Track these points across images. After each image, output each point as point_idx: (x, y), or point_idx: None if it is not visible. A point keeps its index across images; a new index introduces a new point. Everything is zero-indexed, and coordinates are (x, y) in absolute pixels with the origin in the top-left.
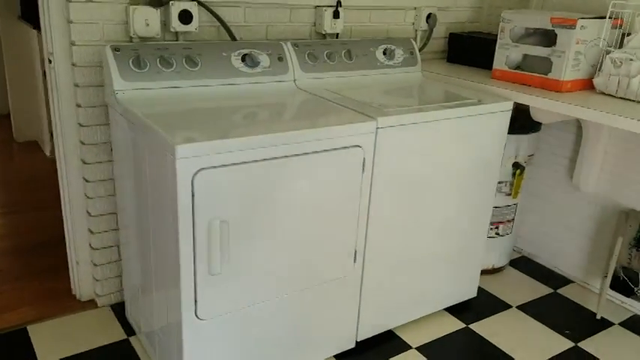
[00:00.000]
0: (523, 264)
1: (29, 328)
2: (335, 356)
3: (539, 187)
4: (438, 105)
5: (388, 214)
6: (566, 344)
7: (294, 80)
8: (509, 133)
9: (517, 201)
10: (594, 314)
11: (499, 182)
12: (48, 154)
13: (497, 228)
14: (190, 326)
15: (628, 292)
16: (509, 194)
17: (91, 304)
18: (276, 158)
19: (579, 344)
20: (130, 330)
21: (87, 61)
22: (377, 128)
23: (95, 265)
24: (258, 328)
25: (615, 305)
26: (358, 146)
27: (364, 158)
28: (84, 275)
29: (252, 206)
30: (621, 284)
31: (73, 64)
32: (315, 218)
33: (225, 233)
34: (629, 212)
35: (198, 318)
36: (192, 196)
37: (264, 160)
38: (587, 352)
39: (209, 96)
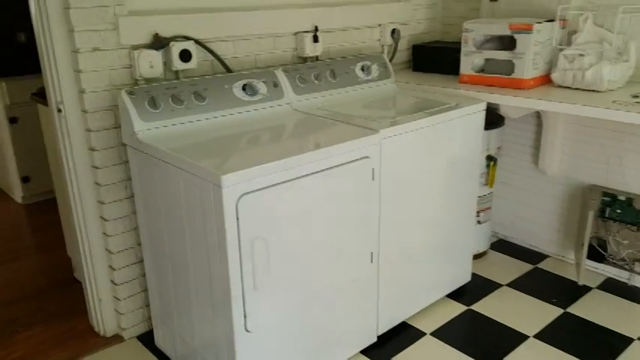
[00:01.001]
0: (502, 246)
1: None
2: (361, 352)
3: (508, 175)
4: (426, 112)
5: (394, 214)
6: (557, 311)
7: (290, 103)
8: None
9: (493, 189)
10: (575, 282)
11: None
12: (19, 200)
13: (479, 216)
14: (241, 339)
15: (599, 259)
16: (486, 184)
17: (117, 338)
18: (303, 177)
19: (568, 309)
20: (161, 356)
21: (97, 107)
22: (381, 139)
23: (118, 299)
24: (295, 334)
25: (589, 271)
26: (367, 157)
27: (373, 168)
28: (107, 311)
29: (284, 223)
30: (593, 252)
31: (84, 111)
32: (337, 227)
33: (266, 250)
34: (590, 188)
35: (247, 331)
36: (237, 219)
37: (294, 179)
38: (576, 315)
39: (220, 126)
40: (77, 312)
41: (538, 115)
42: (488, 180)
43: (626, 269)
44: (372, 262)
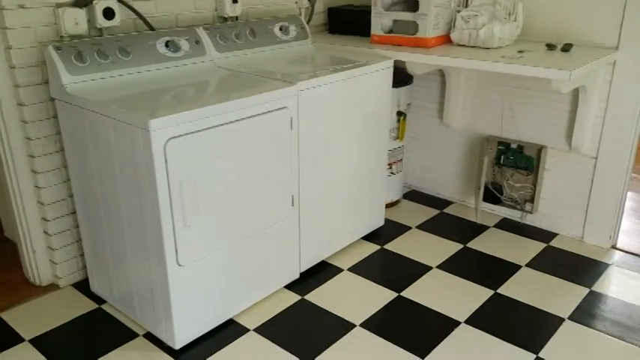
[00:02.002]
0: (413, 195)
1: (1, 315)
2: (285, 287)
3: (417, 130)
4: (337, 68)
5: (313, 162)
6: (458, 246)
7: (212, 60)
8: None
9: (403, 143)
10: (474, 222)
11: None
12: None
13: (391, 168)
14: (174, 273)
15: (496, 201)
16: (397, 138)
17: (53, 287)
18: (226, 124)
19: (467, 244)
20: (99, 300)
21: (24, 63)
22: (299, 91)
23: (52, 249)
24: (224, 269)
25: (488, 213)
26: (285, 107)
27: (291, 117)
28: (41, 261)
29: (210, 166)
30: (490, 195)
31: (12, 67)
32: (260, 172)
33: (194, 191)
34: (488, 138)
35: (179, 265)
36: (166, 162)
37: (218, 125)
38: (474, 248)
39: (146, 80)
40: (10, 267)
41: (442, 74)
42: (399, 134)
43: (518, 209)
44: (292, 205)
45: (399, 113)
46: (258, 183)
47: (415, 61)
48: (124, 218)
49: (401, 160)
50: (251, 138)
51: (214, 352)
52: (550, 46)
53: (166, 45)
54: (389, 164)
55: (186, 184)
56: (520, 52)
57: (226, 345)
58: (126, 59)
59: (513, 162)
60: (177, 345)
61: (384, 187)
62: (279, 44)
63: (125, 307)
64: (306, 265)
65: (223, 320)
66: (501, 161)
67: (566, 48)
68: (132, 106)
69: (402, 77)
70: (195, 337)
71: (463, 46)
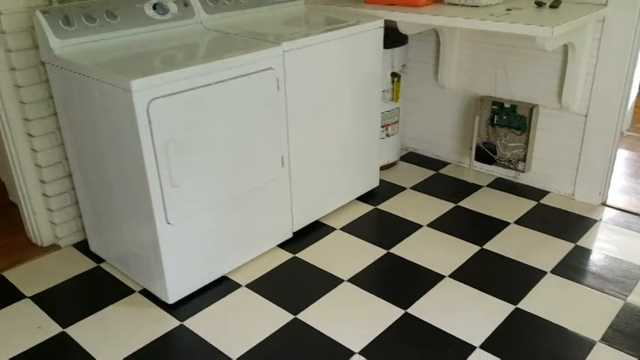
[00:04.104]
0: (410, 157)
1: (4, 274)
2: (278, 246)
3: (412, 92)
4: (326, 28)
5: (303, 124)
6: (450, 205)
7: (201, 22)
8: (384, 47)
9: (399, 105)
10: (468, 182)
11: (383, 90)
12: None
13: (387, 129)
14: (164, 232)
15: (490, 161)
16: (392, 99)
17: (54, 247)
18: (210, 84)
19: (459, 203)
20: (98, 259)
21: (15, 28)
22: (283, 52)
23: (52, 211)
24: (215, 228)
25: (482, 173)
26: (271, 68)
27: (277, 78)
28: (42, 223)
29: (196, 127)
30: (484, 155)
31: (2, 32)
32: (247, 132)
33: (180, 151)
34: (482, 98)
35: (168, 223)
36: (150, 123)
37: (202, 86)
38: (465, 207)
39: (133, 43)
40: (15, 230)
41: (437, 34)
42: (394, 96)
43: (511, 169)
44: (283, 166)
45: (394, 74)
46: (245, 144)
47: (403, 20)
48: (115, 180)
49: (397, 121)
50: (237, 99)
51: (207, 306)
52: (539, 3)
53: (154, 7)
54: (384, 126)
55: (171, 144)
56: (508, 9)
57: (218, 300)
58: (113, 22)
59: (507, 122)
60: (171, 300)
61: (377, 149)
62: (272, 5)
63: (122, 265)
64: (299, 225)
65: (216, 277)
66: (495, 121)
67: (555, 4)
68: (115, 68)
69: (396, 38)
70: (188, 293)
71: (455, 5)
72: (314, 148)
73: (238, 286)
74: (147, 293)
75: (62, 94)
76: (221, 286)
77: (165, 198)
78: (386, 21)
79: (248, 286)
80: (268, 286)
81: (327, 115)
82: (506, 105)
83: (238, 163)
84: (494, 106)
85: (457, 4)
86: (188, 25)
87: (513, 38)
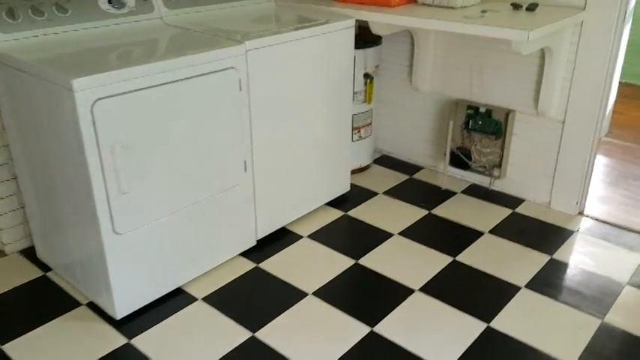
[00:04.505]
0: (384, 161)
1: None
2: (240, 254)
3: (386, 94)
4: (293, 27)
5: (267, 126)
6: (423, 212)
7: (161, 17)
8: (356, 48)
9: (372, 106)
10: (442, 188)
11: (355, 92)
12: None
13: (359, 132)
14: (110, 241)
15: (464, 167)
16: (365, 101)
17: (0, 254)
18: (162, 84)
19: (432, 211)
20: (45, 268)
21: None
22: (246, 50)
23: None
24: (170, 237)
25: (456, 179)
26: (233, 67)
27: (239, 78)
28: None
29: (148, 129)
30: (459, 161)
31: None
32: (206, 135)
33: (129, 155)
34: (457, 102)
35: (116, 233)
36: (94, 124)
37: (155, 86)
38: (438, 215)
39: (84, 39)
40: None
41: (412, 35)
42: (367, 97)
43: (486, 175)
44: (245, 170)
45: (366, 75)
46: (204, 147)
47: (374, 20)
48: (60, 184)
49: (370, 124)
50: (194, 99)
51: (158, 322)
52: (515, 6)
53: (109, 1)
54: (357, 128)
55: (119, 148)
56: (483, 11)
57: (171, 315)
58: (64, 16)
59: (482, 127)
60: (119, 315)
61: (348, 152)
62: (239, 1)
63: (69, 275)
64: (264, 232)
65: (170, 289)
66: (470, 126)
67: (532, 7)
68: (59, 65)
69: (369, 38)
70: (138, 307)
71: (428, 5)
72: (280, 151)
73: (194, 299)
74: (94, 307)
75: (6, 92)
76: (175, 300)
77: (112, 205)
78: (359, 21)
79: (205, 299)
80: (226, 300)
81: (294, 117)
82: (482, 109)
83: (196, 168)
84: (469, 110)
85: (431, 5)
86: (146, 20)
87: (489, 41)
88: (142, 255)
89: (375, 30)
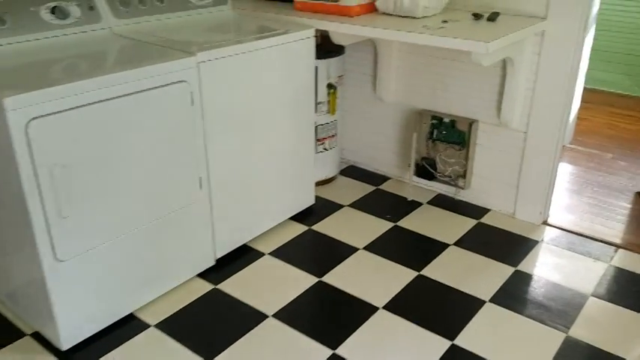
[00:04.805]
0: (351, 172)
1: None
2: (198, 275)
3: (351, 104)
4: (250, 37)
5: (225, 141)
6: (389, 225)
7: (110, 28)
8: (319, 58)
9: (336, 117)
10: (407, 199)
11: (319, 103)
12: None
13: (324, 143)
14: (52, 269)
15: (430, 177)
16: (329, 112)
17: None
18: (106, 100)
19: (398, 223)
20: None
21: None
22: (198, 63)
23: None
24: (119, 261)
25: (423, 189)
26: (184, 81)
27: (191, 92)
28: None
29: (91, 148)
30: (424, 171)
31: None
32: (155, 153)
33: (68, 177)
34: (422, 112)
35: (58, 260)
36: (29, 145)
37: (95, 103)
38: (404, 227)
39: (24, 52)
40: None
41: (375, 45)
42: (330, 108)
43: (452, 185)
44: (201, 188)
45: (330, 85)
46: (153, 165)
47: (334, 30)
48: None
49: (334, 135)
50: (142, 115)
51: (106, 353)
52: (477, 16)
53: (52, 11)
54: (321, 140)
55: (58, 169)
56: (444, 21)
57: (121, 344)
58: (1, 28)
59: (446, 137)
60: (64, 346)
61: (312, 165)
62: (194, 10)
63: (12, 303)
64: (224, 251)
65: (120, 317)
66: (435, 136)
67: (493, 17)
68: None
69: (331, 47)
70: (86, 337)
71: (389, 15)
72: (240, 166)
73: (147, 326)
74: (39, 337)
75: None
76: (127, 327)
77: (53, 231)
78: (321, 30)
79: (158, 325)
80: (181, 326)
81: (253, 131)
82: (446, 119)
83: (146, 187)
84: (433, 121)
85: (392, 15)
86: (93, 30)
87: (452, 51)
88: (89, 281)
89: (336, 40)
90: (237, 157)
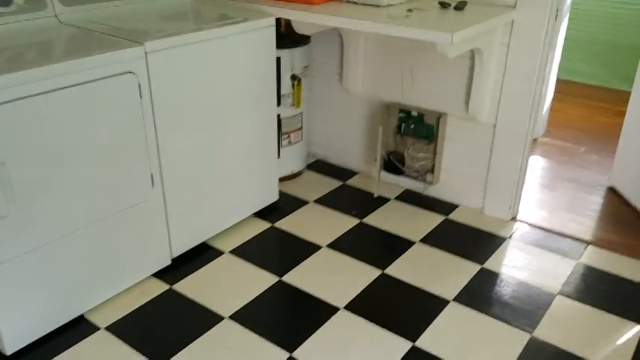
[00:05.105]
0: (318, 166)
1: None
2: (153, 275)
3: (318, 96)
4: (205, 26)
5: (179, 136)
6: (354, 222)
7: (56, 15)
8: (282, 48)
9: (301, 110)
10: (374, 195)
11: (283, 95)
12: None
13: (289, 137)
14: None
15: (398, 172)
16: (293, 104)
17: None
18: (47, 92)
19: (364, 219)
20: None
21: None
22: (146, 53)
23: None
24: (67, 261)
25: (391, 185)
26: (131, 72)
27: (139, 84)
28: None
29: (31, 143)
30: (392, 166)
31: None
32: (103, 148)
33: (6, 174)
34: (389, 105)
35: None
36: None
37: (37, 94)
38: (369, 224)
39: None
40: None
41: (341, 34)
42: (295, 100)
43: (420, 180)
44: (153, 185)
45: (294, 77)
46: (101, 162)
47: (295, 18)
48: None
49: (300, 128)
50: (86, 108)
51: (53, 357)
52: (443, 4)
53: None
54: (286, 133)
55: None
56: (409, 10)
57: (68, 348)
58: None
59: (414, 131)
60: (8, 350)
61: (275, 159)
62: None
63: None
64: (180, 250)
65: (69, 319)
66: (402, 130)
67: (460, 6)
68: None
69: (296, 37)
70: (31, 341)
71: (354, 3)
72: (196, 161)
73: (96, 328)
74: None
75: None
76: (75, 330)
77: None
78: (285, 19)
79: (109, 328)
80: (132, 328)
81: (211, 124)
82: (414, 113)
83: (93, 184)
84: (401, 114)
85: (356, 3)
86: (38, 18)
87: (418, 42)
88: (34, 283)
89: (299, 29)
90: (193, 153)
